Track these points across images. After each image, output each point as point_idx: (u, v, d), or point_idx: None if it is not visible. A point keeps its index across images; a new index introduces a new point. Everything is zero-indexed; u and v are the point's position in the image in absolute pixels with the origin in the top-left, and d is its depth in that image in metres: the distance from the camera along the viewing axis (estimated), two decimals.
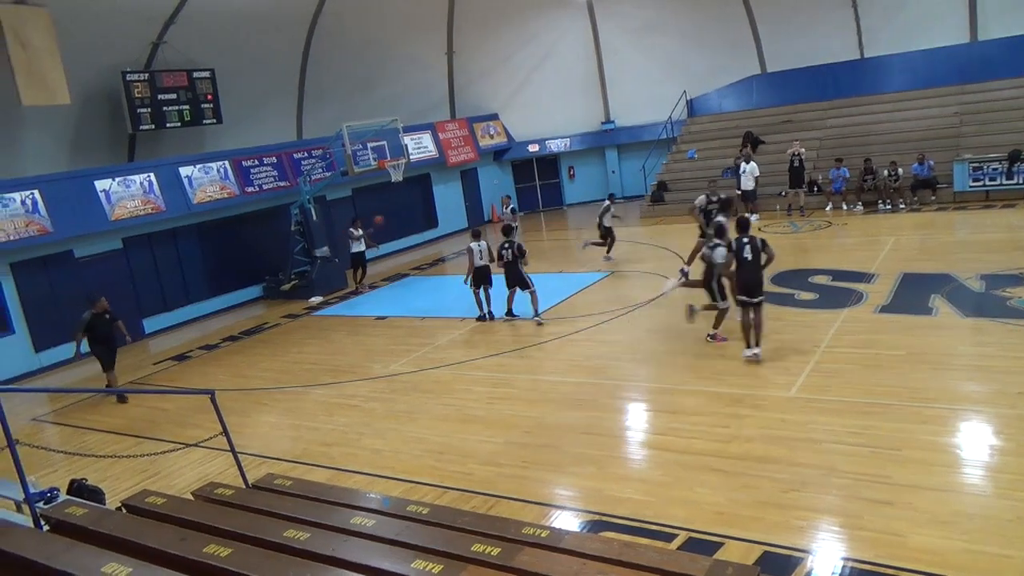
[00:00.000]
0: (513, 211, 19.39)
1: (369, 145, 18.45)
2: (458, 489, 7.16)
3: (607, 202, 17.12)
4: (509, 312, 13.26)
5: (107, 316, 11.65)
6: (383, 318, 14.87)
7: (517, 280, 12.90)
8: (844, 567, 5.25)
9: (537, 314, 12.80)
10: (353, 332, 14.22)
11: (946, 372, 8.51)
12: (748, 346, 9.52)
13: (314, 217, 17.90)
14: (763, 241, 9.41)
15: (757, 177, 19.32)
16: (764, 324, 9.55)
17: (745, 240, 9.40)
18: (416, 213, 23.70)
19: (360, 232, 17.41)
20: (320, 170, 18.95)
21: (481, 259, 13.14)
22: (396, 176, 17.83)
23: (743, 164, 19.52)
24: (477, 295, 13.30)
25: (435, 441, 8.48)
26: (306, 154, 19.62)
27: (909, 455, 6.66)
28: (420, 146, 22.72)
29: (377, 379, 11.05)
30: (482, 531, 4.41)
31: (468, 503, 6.77)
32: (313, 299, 17.40)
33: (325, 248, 18.19)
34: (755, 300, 9.35)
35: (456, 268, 19.56)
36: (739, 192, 19.92)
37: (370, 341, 13.41)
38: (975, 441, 6.99)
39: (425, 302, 15.78)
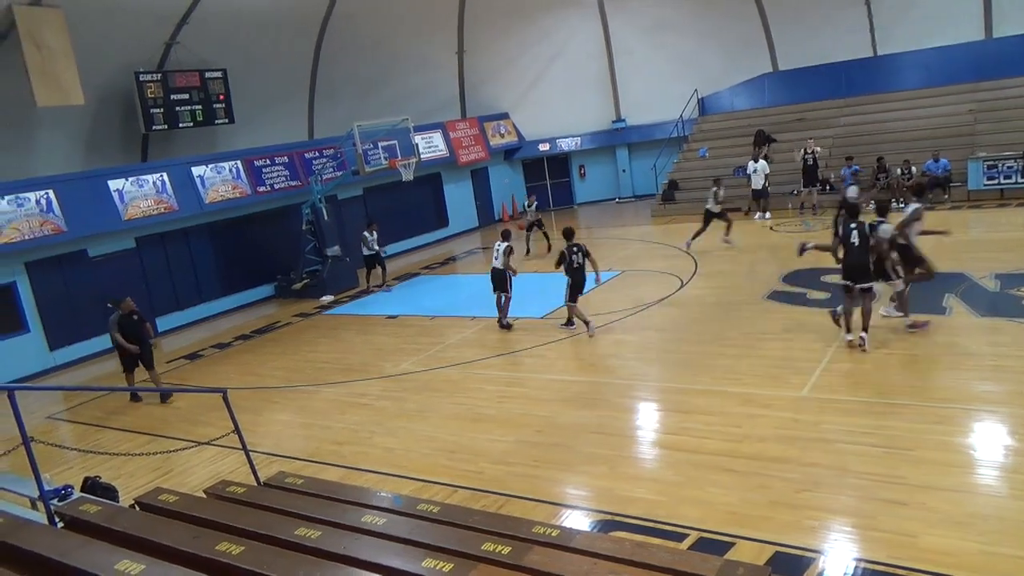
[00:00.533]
0: (536, 208, 19.36)
1: (380, 144, 18.49)
2: (469, 488, 7.16)
3: (713, 188, 16.73)
4: (587, 324, 11.70)
5: (135, 317, 11.46)
6: (394, 317, 14.90)
7: (580, 288, 11.77)
8: (856, 568, 5.22)
9: (572, 323, 12.00)
10: (364, 331, 14.26)
11: (960, 372, 8.44)
12: (847, 331, 9.54)
13: (325, 216, 17.95)
14: (872, 227, 9.43)
15: (767, 175, 19.24)
16: (872, 314, 9.47)
17: (853, 225, 9.43)
18: (427, 212, 23.74)
19: (375, 235, 17.34)
20: (331, 169, 19.00)
21: (496, 260, 12.38)
22: (407, 175, 17.87)
23: (751, 163, 19.46)
24: (497, 299, 12.60)
25: (446, 440, 8.49)
26: (317, 153, 19.68)
27: (923, 455, 6.61)
28: (431, 145, 22.76)
29: (388, 378, 11.07)
30: (493, 530, 4.40)
31: (479, 502, 6.77)
32: (324, 298, 17.46)
33: (336, 247, 18.24)
34: (859, 286, 9.35)
35: (466, 267, 19.60)
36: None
37: (381, 340, 13.44)
38: (990, 441, 6.93)
39: (435, 301, 15.80)
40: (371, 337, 13.75)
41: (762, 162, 19.35)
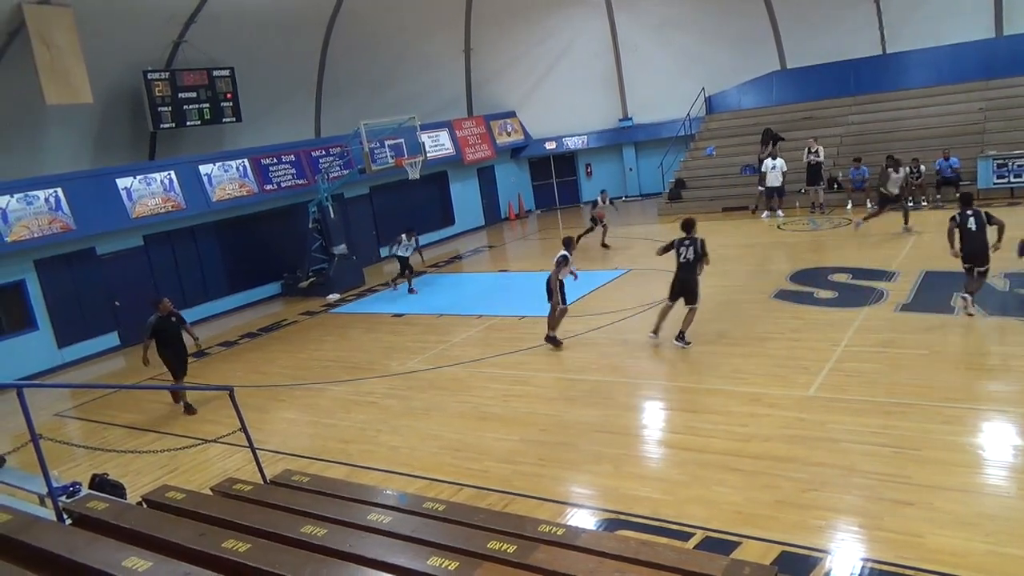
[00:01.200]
0: (597, 203, 18.60)
1: (387, 143, 18.51)
2: (474, 486, 7.16)
3: (890, 170, 15.91)
4: (681, 336, 10.42)
5: (173, 319, 10.68)
6: (400, 315, 14.91)
7: (688, 289, 10.30)
8: (863, 567, 5.20)
9: (683, 337, 10.43)
10: (370, 329, 14.28)
11: (968, 372, 8.40)
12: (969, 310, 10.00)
13: (332, 215, 17.99)
14: (988, 214, 9.89)
15: (785, 173, 19.14)
16: (980, 289, 10.10)
17: (969, 213, 9.90)
18: (433, 211, 23.76)
19: (414, 241, 16.85)
20: (338, 168, 19.04)
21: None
22: (413, 174, 17.89)
23: (769, 161, 19.34)
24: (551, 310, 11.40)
25: (452, 438, 8.50)
26: (324, 152, 19.72)
27: (930, 455, 6.59)
28: (437, 144, 22.76)
29: (394, 376, 11.09)
30: (498, 528, 4.40)
31: (484, 500, 6.77)
32: (331, 296, 17.49)
33: (343, 245, 18.28)
34: (978, 269, 9.91)
35: (472, 266, 19.60)
36: (760, 190, 19.81)
37: (387, 338, 13.45)
38: (998, 441, 6.90)
39: (441, 299, 15.81)
40: (377, 335, 13.77)
41: (780, 160, 19.24)
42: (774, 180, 19.13)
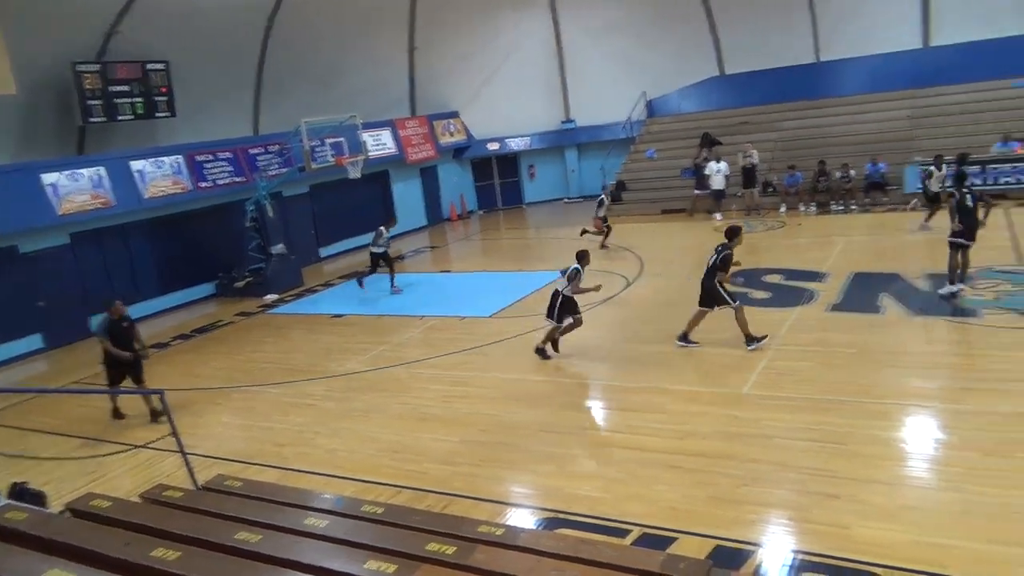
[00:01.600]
0: (602, 202, 18.27)
1: (327, 141, 18.23)
2: (413, 488, 7.11)
3: (932, 168, 16.12)
4: (751, 339, 9.80)
5: (124, 324, 9.96)
6: (340, 316, 14.70)
7: (705, 295, 10.12)
8: (794, 559, 5.36)
9: (756, 339, 9.82)
10: (309, 330, 14.04)
11: (894, 369, 8.72)
12: (951, 283, 10.78)
13: (270, 213, 17.62)
14: (981, 193, 10.89)
15: (728, 176, 19.57)
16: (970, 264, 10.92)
17: (966, 190, 10.69)
18: (375, 210, 23.45)
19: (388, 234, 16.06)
20: (277, 166, 18.67)
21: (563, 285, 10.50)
22: (354, 173, 17.67)
23: (713, 164, 19.76)
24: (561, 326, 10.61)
25: (390, 440, 8.42)
26: (263, 149, 19.31)
27: (858, 450, 6.82)
28: (379, 143, 22.55)
29: (333, 378, 10.93)
30: (437, 530, 4.38)
31: (423, 502, 6.73)
32: (268, 297, 17.13)
33: (281, 245, 17.93)
34: (970, 243, 10.60)
35: (414, 266, 19.46)
36: (697, 193, 20.26)
37: (326, 339, 13.24)
38: (922, 436, 7.21)
39: (383, 300, 15.64)
40: (316, 336, 13.54)
41: (724, 163, 19.67)
42: (717, 183, 19.58)
